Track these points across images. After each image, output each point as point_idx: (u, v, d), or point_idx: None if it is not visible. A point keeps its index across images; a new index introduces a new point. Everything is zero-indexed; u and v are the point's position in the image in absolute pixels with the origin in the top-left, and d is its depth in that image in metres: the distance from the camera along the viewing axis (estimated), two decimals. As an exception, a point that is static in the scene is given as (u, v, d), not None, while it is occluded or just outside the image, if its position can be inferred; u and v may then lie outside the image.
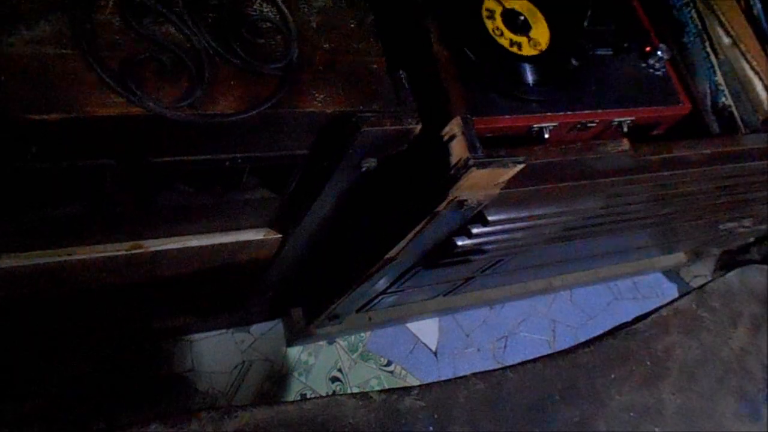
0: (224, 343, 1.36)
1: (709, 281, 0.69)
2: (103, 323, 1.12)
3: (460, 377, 0.53)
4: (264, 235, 0.91)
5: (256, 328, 1.40)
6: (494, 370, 0.56)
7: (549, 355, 0.58)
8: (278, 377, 1.38)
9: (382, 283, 1.05)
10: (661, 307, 0.66)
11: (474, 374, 0.54)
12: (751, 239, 1.58)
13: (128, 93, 0.55)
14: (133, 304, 1.04)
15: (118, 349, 1.24)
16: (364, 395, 0.48)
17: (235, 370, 1.35)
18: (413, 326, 1.55)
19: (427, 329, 1.56)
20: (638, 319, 0.64)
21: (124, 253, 0.83)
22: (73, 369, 1.17)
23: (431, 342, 1.55)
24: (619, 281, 1.84)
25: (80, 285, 0.88)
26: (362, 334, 1.49)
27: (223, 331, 1.37)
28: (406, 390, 0.51)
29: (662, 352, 0.59)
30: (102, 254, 0.82)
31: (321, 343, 1.45)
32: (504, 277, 1.35)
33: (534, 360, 0.57)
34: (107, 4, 0.57)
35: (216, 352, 1.35)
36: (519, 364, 0.56)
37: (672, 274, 1.92)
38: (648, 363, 0.58)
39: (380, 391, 0.50)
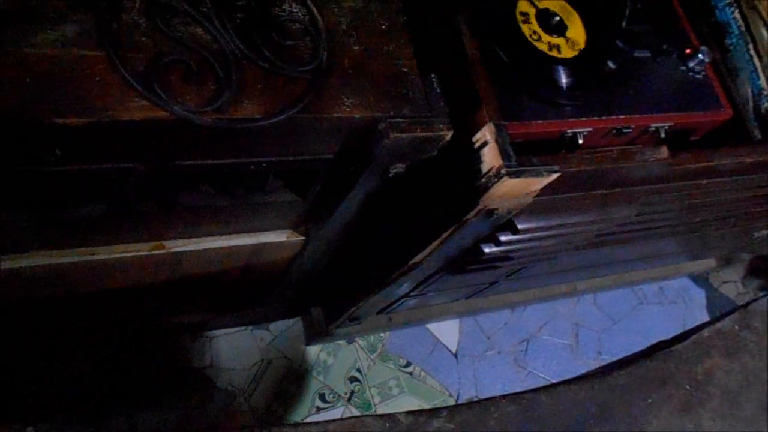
0: (243, 340, 1.36)
1: (752, 301, 0.66)
2: (114, 321, 1.11)
3: (490, 398, 0.51)
4: (287, 237, 0.89)
5: (276, 326, 1.39)
6: (525, 392, 0.54)
7: (582, 377, 0.56)
8: (297, 376, 1.37)
9: (405, 287, 1.03)
10: (700, 328, 0.63)
11: (504, 396, 0.52)
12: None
13: (154, 96, 0.53)
14: (151, 302, 1.04)
15: (122, 348, 1.23)
16: (390, 417, 0.46)
17: (254, 368, 1.34)
18: (433, 327, 1.52)
19: (447, 330, 1.53)
20: (677, 340, 0.61)
21: (146, 253, 0.82)
22: (73, 369, 1.16)
23: (451, 343, 1.53)
24: (645, 285, 1.80)
25: (100, 284, 0.88)
26: (381, 334, 1.47)
27: (243, 328, 1.36)
28: (435, 412, 0.49)
29: (702, 375, 0.57)
30: (124, 254, 0.81)
31: (340, 342, 1.43)
32: (528, 281, 1.32)
33: (567, 381, 0.55)
34: (134, 4, 0.55)
35: (235, 348, 1.34)
36: (551, 385, 0.54)
37: (700, 279, 1.87)
38: (687, 387, 0.56)
39: (407, 413, 0.48)
